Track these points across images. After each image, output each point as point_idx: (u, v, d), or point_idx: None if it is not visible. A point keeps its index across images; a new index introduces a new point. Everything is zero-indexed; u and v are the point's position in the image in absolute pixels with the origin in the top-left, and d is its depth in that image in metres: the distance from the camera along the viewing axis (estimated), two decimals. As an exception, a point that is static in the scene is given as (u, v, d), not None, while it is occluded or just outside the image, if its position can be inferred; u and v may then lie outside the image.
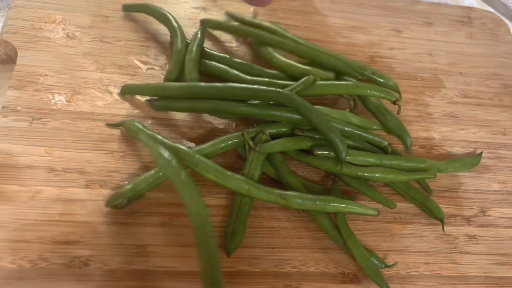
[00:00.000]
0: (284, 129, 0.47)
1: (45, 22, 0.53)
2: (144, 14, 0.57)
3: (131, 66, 0.52)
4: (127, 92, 0.49)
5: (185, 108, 0.48)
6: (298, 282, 0.42)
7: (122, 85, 0.50)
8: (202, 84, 0.46)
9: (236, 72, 0.50)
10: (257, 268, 0.42)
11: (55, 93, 0.48)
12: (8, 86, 0.47)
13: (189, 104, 0.47)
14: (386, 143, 0.49)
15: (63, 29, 0.53)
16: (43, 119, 0.46)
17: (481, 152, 0.53)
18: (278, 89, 0.45)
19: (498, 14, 0.71)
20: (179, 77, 0.50)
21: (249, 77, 0.50)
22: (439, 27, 0.66)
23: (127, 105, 0.49)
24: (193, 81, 0.49)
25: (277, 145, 0.45)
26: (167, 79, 0.50)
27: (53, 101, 0.47)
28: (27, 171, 0.42)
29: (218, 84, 0.46)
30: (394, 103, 0.50)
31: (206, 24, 0.56)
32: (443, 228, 0.47)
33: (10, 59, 0.51)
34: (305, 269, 0.42)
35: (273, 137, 0.47)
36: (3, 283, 0.37)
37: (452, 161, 0.51)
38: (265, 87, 0.45)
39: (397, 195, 0.49)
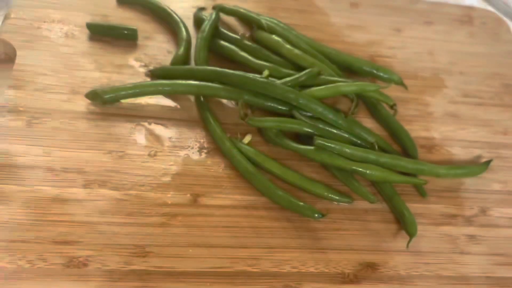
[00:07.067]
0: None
1: (44, 22, 0.53)
2: (143, 14, 0.57)
3: (130, 66, 0.52)
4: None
5: (183, 74, 0.50)
6: (298, 282, 0.41)
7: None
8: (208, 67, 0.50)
9: (245, 54, 0.53)
10: (256, 268, 0.41)
11: (54, 92, 0.48)
12: (7, 86, 0.47)
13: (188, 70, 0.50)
14: (373, 140, 0.49)
15: (61, 28, 0.53)
16: (42, 119, 0.46)
17: (490, 160, 0.52)
18: (269, 80, 0.47)
19: (498, 13, 0.70)
20: (186, 63, 0.53)
21: (257, 61, 0.52)
22: (439, 26, 0.66)
23: (125, 104, 0.49)
24: (201, 59, 0.52)
25: (269, 122, 0.47)
26: (173, 63, 0.52)
27: (52, 100, 0.47)
28: (26, 171, 0.42)
29: (218, 69, 0.49)
30: (391, 107, 0.51)
31: (220, 10, 0.57)
32: (407, 244, 0.45)
33: (9, 58, 0.51)
34: (305, 269, 0.42)
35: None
36: (2, 283, 0.37)
37: (455, 168, 0.50)
38: (257, 77, 0.48)
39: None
